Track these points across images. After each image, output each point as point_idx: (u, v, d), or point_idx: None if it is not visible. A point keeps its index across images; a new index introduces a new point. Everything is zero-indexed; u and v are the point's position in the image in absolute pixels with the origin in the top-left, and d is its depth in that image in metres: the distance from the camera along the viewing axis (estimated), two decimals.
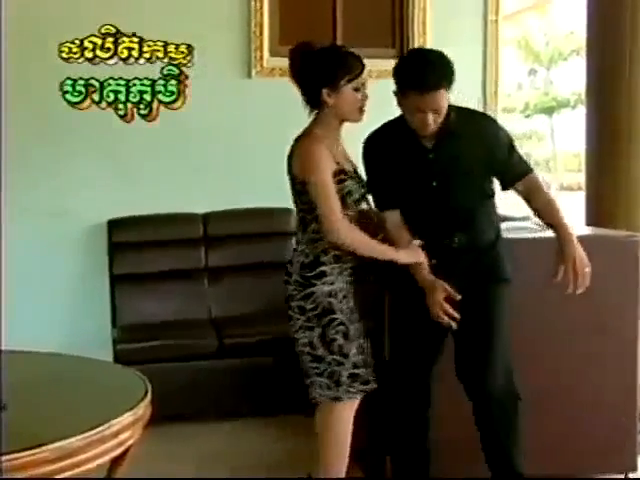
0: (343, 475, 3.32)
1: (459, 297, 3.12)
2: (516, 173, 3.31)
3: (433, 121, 3.08)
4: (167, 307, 5.03)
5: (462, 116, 3.22)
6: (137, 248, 5.12)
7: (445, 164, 3.19)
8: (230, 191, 5.27)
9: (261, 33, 5.28)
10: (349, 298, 3.28)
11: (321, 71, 3.21)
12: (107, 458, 2.35)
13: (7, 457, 2.10)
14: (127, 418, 2.39)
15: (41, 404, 2.63)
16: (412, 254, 3.21)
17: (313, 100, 3.25)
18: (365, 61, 5.42)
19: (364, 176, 3.35)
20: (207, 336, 4.76)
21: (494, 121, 3.44)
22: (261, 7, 5.29)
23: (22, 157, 5.03)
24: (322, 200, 3.15)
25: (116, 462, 2.51)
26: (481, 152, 3.22)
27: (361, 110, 3.24)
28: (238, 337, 4.75)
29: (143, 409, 2.50)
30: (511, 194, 3.45)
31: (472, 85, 5.61)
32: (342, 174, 3.21)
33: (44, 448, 2.15)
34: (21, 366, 2.85)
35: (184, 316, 5.01)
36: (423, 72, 3.07)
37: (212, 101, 5.16)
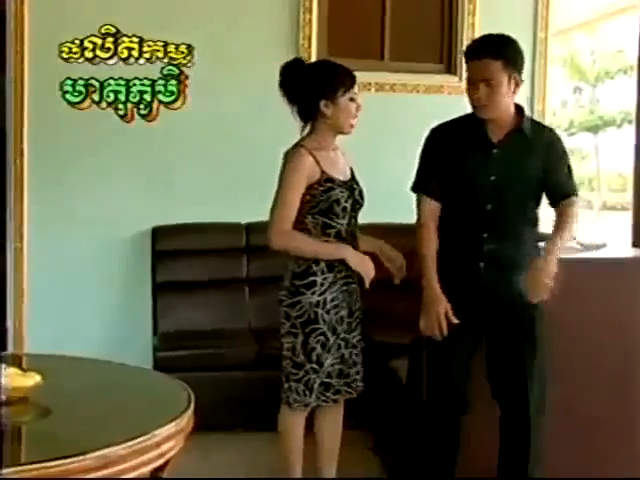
0: (298, 469, 3.51)
1: (455, 321, 3.16)
2: (563, 191, 3.29)
3: (486, 96, 3.13)
4: (208, 316, 5.05)
5: (533, 123, 3.30)
6: (180, 256, 5.15)
7: (507, 162, 3.20)
8: None
9: (309, 46, 5.30)
10: (341, 307, 3.40)
11: (320, 84, 3.36)
12: (148, 468, 2.33)
13: (52, 464, 2.10)
14: (170, 428, 2.38)
15: (85, 411, 2.62)
16: (363, 261, 3.33)
17: (309, 112, 3.39)
18: (413, 76, 5.48)
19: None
20: (247, 346, 4.77)
21: (559, 137, 3.40)
22: (310, 20, 5.31)
23: (67, 165, 5.09)
24: (274, 209, 3.34)
25: (156, 473, 2.50)
26: (541, 161, 3.23)
27: (352, 124, 3.40)
28: (277, 348, 4.72)
29: (186, 420, 2.49)
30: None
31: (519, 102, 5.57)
32: (329, 182, 3.34)
33: (88, 456, 2.15)
34: (65, 372, 2.86)
35: (224, 325, 5.03)
36: (475, 41, 3.27)
37: (257, 110, 5.19)
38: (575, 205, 3.30)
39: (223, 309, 5.10)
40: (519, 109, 3.27)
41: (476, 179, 3.22)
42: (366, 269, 3.36)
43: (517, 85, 3.18)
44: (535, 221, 3.33)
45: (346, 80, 3.38)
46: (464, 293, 3.23)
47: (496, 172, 3.20)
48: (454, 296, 3.22)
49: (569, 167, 3.33)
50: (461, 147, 3.24)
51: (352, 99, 3.38)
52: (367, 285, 3.39)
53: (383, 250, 3.49)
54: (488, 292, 3.21)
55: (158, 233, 5.16)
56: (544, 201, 3.36)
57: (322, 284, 3.35)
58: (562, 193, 3.29)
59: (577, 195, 3.34)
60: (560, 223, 3.24)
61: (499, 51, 3.14)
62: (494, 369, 3.29)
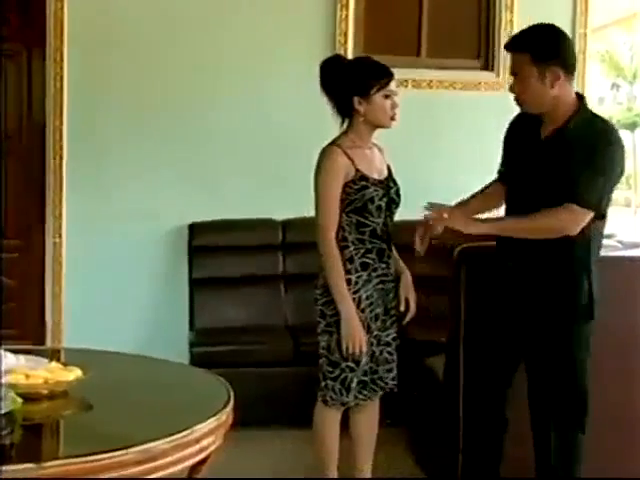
0: (333, 468, 3.50)
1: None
2: (567, 192, 2.94)
3: (517, 90, 3.05)
4: (244, 312, 5.06)
5: (588, 119, 3.04)
6: (217, 253, 5.17)
7: (545, 160, 3.02)
8: (310, 198, 5.28)
9: (346, 42, 5.30)
10: (376, 305, 3.39)
11: (353, 81, 3.34)
12: (189, 463, 2.34)
13: (93, 457, 2.11)
14: (210, 424, 2.39)
15: (125, 406, 2.64)
16: (354, 333, 3.27)
17: (344, 109, 3.38)
18: (449, 73, 5.46)
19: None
20: (283, 342, 4.78)
21: (602, 137, 3.01)
22: (346, 16, 5.31)
23: (105, 162, 5.14)
24: (320, 211, 3.34)
25: (195, 468, 2.52)
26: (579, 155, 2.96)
27: (392, 117, 3.37)
28: (314, 344, 4.73)
29: (226, 415, 2.50)
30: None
31: None
32: (363, 181, 3.34)
33: (131, 450, 2.16)
34: (105, 367, 2.85)
35: (260, 321, 5.04)
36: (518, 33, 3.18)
37: (294, 106, 5.19)
38: (566, 212, 2.94)
39: (259, 305, 5.11)
40: (579, 103, 3.04)
41: (518, 174, 3.15)
42: (352, 341, 3.28)
43: (556, 79, 2.95)
44: None
45: (380, 77, 3.34)
46: (500, 294, 3.18)
47: (534, 169, 3.07)
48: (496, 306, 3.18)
49: (592, 171, 2.93)
50: (520, 139, 3.18)
51: (387, 96, 3.35)
52: (344, 347, 3.30)
53: (402, 279, 3.51)
54: (517, 295, 3.11)
55: (195, 229, 5.18)
56: None
57: (356, 282, 3.35)
58: (565, 193, 2.94)
59: (581, 205, 2.93)
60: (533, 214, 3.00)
61: (525, 45, 3.00)
62: (534, 374, 3.16)
